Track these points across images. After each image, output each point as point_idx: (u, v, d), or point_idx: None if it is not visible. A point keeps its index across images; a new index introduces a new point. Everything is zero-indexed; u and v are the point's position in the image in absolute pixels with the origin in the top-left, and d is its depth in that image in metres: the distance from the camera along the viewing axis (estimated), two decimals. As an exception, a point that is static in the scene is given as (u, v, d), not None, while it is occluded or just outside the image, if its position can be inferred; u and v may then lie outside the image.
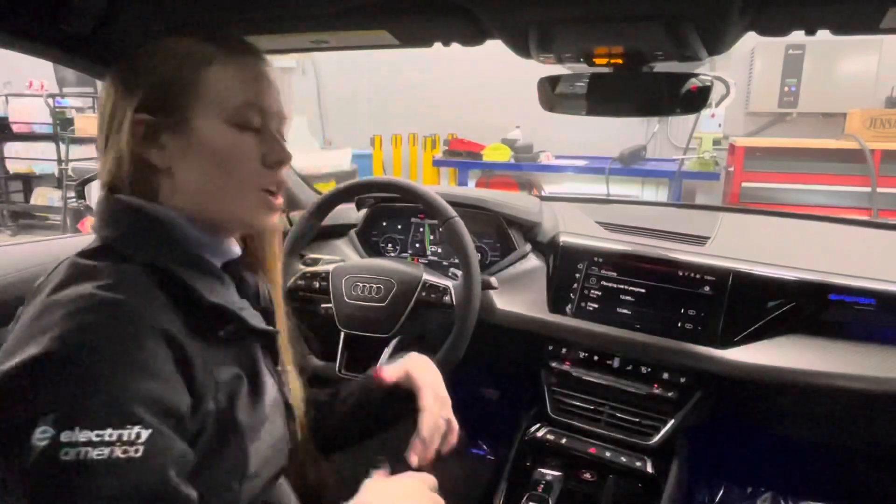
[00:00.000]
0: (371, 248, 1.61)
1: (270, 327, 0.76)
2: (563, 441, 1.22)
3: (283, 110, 0.73)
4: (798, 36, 0.78)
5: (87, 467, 0.49)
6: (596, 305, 1.26)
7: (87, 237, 0.81)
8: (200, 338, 0.62)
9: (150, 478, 0.52)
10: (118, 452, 0.50)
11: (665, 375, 1.19)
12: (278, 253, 0.84)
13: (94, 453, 0.50)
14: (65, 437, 0.49)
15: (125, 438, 0.51)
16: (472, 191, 2.07)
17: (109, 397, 0.52)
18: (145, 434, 0.52)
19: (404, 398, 0.88)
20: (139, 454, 0.51)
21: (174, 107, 0.65)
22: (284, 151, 0.71)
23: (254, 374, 0.70)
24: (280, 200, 0.72)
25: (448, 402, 0.84)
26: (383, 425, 0.93)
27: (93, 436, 0.50)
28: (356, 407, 0.92)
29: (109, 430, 0.51)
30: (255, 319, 0.72)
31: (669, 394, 1.18)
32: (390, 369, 0.89)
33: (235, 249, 0.75)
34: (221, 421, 0.62)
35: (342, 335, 1.26)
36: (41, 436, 0.49)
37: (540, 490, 1.13)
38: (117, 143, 0.66)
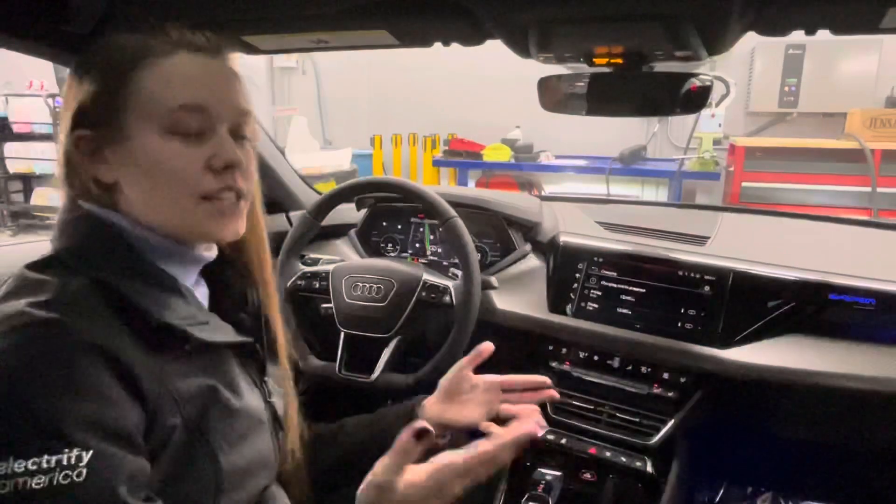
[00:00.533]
0: (371, 248, 1.61)
1: (243, 338, 0.72)
2: (563, 441, 1.22)
3: (239, 106, 0.67)
4: (798, 36, 0.78)
5: (27, 498, 0.48)
6: (596, 305, 1.26)
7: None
8: (155, 353, 0.59)
9: (98, 499, 0.51)
10: (59, 478, 0.49)
11: (665, 375, 1.19)
12: (265, 257, 0.79)
13: (34, 482, 0.48)
14: (0, 468, 0.48)
15: (65, 463, 0.49)
16: (472, 191, 2.07)
17: (42, 423, 0.50)
18: (87, 456, 0.50)
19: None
20: (82, 478, 0.50)
21: (109, 117, 0.62)
22: (232, 154, 0.64)
23: (229, 385, 0.67)
24: (241, 205, 0.67)
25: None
26: None
27: (29, 464, 0.48)
28: (362, 443, 0.90)
29: (46, 457, 0.49)
30: (220, 332, 0.69)
31: (669, 394, 1.18)
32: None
33: (208, 254, 0.71)
34: (188, 434, 0.60)
35: (342, 335, 1.26)
36: None
37: (540, 490, 1.13)
38: (65, 158, 0.63)
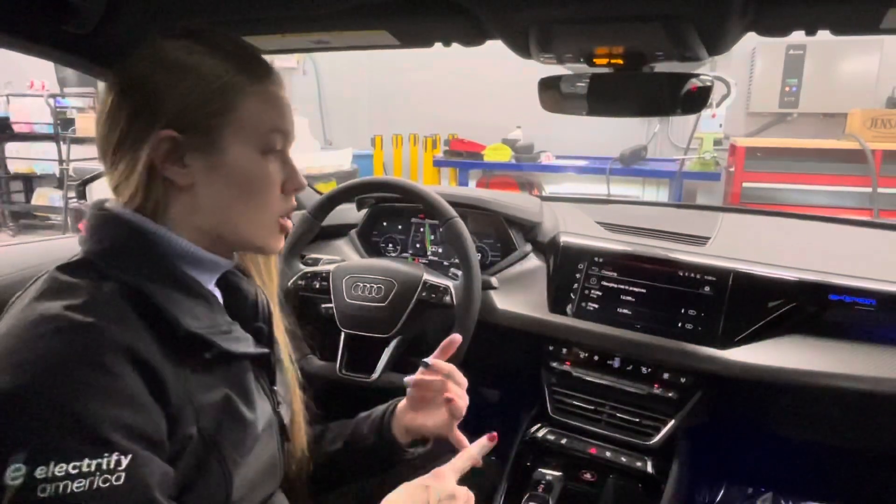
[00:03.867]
0: (371, 248, 1.61)
1: (261, 349, 0.74)
2: (564, 441, 1.22)
3: (294, 135, 0.74)
4: (799, 36, 0.78)
5: (67, 502, 0.48)
6: (596, 305, 1.26)
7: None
8: (179, 361, 0.60)
9: (136, 502, 0.51)
10: (99, 482, 0.49)
11: (665, 375, 1.19)
12: (274, 270, 0.84)
13: (74, 486, 0.49)
14: (39, 473, 0.48)
15: (104, 467, 0.50)
16: (472, 191, 2.07)
17: (82, 427, 0.50)
18: (125, 461, 0.51)
19: (393, 449, 0.88)
20: (121, 481, 0.50)
21: (205, 128, 0.64)
22: (301, 179, 0.72)
23: (244, 396, 0.68)
24: (290, 224, 0.73)
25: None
26: (371, 472, 0.92)
27: (70, 468, 0.49)
28: (343, 451, 0.91)
29: (87, 461, 0.49)
30: (243, 343, 0.70)
31: (670, 394, 1.18)
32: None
33: (228, 262, 0.73)
34: (203, 445, 0.61)
35: (342, 335, 1.26)
36: (14, 474, 0.48)
37: (540, 490, 1.13)
38: (132, 156, 0.63)
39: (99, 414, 0.51)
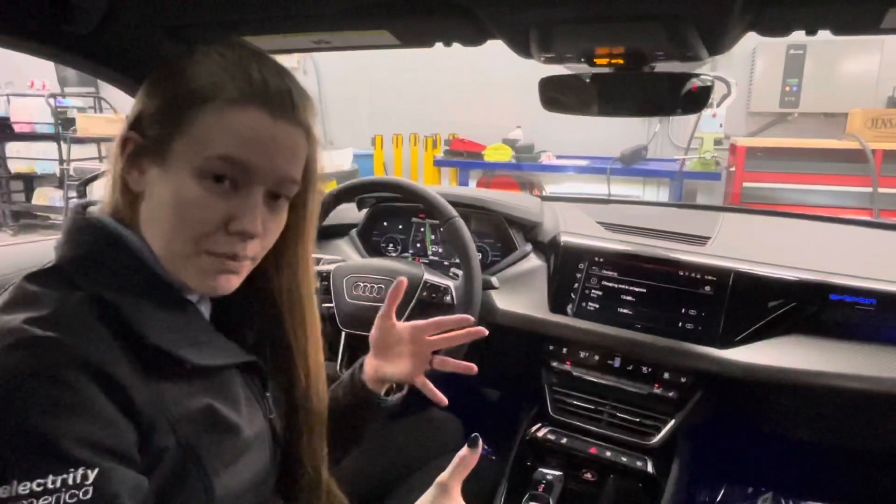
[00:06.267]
0: (372, 247, 1.61)
1: (246, 357, 0.70)
2: (564, 441, 1.22)
3: (287, 174, 0.65)
4: (799, 36, 0.78)
5: None
6: (597, 305, 1.26)
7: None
8: (151, 373, 0.58)
9: None
10: (66, 498, 0.48)
11: (666, 375, 1.19)
12: (303, 253, 0.76)
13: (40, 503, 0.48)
14: (2, 492, 0.47)
15: (70, 482, 0.49)
16: (472, 191, 2.07)
17: (44, 443, 0.49)
18: (92, 474, 0.50)
19: (369, 401, 0.88)
20: (89, 495, 0.49)
21: (159, 136, 0.61)
22: (251, 226, 0.62)
23: (230, 404, 0.66)
24: (245, 266, 0.65)
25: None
26: (355, 434, 0.91)
27: (34, 486, 0.48)
28: (329, 408, 0.88)
29: (51, 477, 0.48)
30: (223, 353, 0.67)
31: (670, 394, 1.18)
32: None
33: None
34: (183, 455, 0.59)
35: (343, 335, 1.26)
36: None
37: (541, 490, 1.13)
38: (113, 157, 0.64)
39: (60, 429, 0.50)
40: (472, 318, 0.92)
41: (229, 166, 0.60)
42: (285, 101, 0.63)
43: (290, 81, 0.66)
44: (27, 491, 0.48)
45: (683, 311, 1.19)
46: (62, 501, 0.48)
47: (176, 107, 0.61)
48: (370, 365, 0.90)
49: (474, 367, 0.90)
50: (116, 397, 0.54)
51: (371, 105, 5.31)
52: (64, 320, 0.55)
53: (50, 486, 0.48)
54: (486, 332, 0.91)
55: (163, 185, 0.61)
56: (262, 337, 0.76)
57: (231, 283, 0.65)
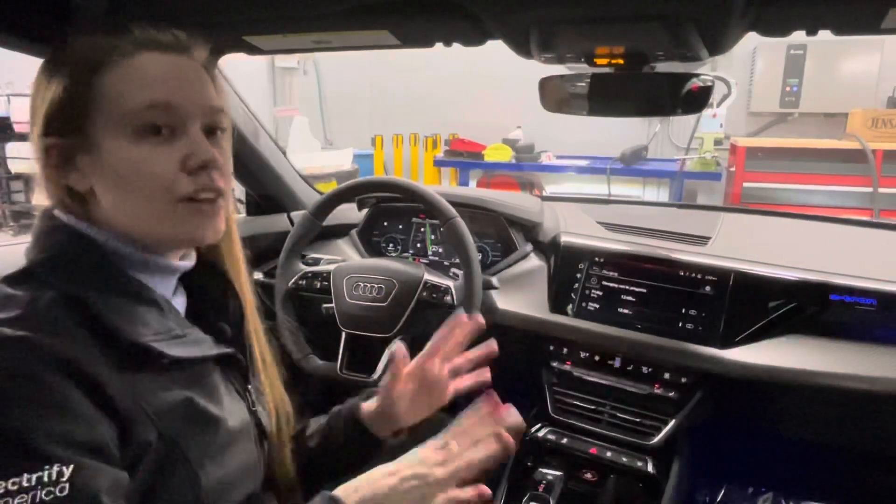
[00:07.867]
0: (372, 247, 1.61)
1: (223, 349, 0.70)
2: (564, 441, 1.22)
3: (210, 102, 0.65)
4: (799, 36, 0.78)
5: None
6: (597, 305, 1.26)
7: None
8: (127, 369, 0.58)
9: None
10: (42, 495, 0.48)
11: (666, 375, 1.19)
12: (239, 256, 0.77)
13: (16, 502, 0.48)
14: None
15: (46, 479, 0.49)
16: (473, 191, 2.07)
17: (17, 442, 0.49)
18: (68, 471, 0.50)
19: (365, 442, 0.87)
20: (66, 492, 0.49)
21: (76, 124, 0.60)
22: (207, 153, 0.62)
23: (209, 397, 0.66)
24: (220, 203, 0.66)
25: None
26: (348, 468, 0.88)
27: (9, 485, 0.48)
28: (319, 447, 0.89)
29: (26, 476, 0.48)
30: (199, 346, 0.67)
31: (670, 394, 1.18)
32: None
33: (186, 263, 0.70)
34: (166, 449, 0.59)
35: (343, 335, 1.26)
36: None
37: (541, 490, 1.13)
38: (40, 170, 0.62)
39: (33, 427, 0.50)
40: (467, 318, 0.90)
41: (156, 113, 0.61)
42: (175, 38, 0.65)
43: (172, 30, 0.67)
44: (2, 490, 0.48)
45: (684, 311, 1.19)
46: (38, 499, 0.48)
47: (77, 86, 0.60)
48: (385, 415, 0.88)
49: (494, 346, 0.90)
50: (91, 393, 0.54)
51: (371, 105, 5.31)
52: (35, 319, 0.55)
53: (25, 483, 0.48)
54: (484, 322, 0.90)
55: (107, 167, 0.61)
56: (239, 330, 0.76)
57: (217, 226, 0.66)
